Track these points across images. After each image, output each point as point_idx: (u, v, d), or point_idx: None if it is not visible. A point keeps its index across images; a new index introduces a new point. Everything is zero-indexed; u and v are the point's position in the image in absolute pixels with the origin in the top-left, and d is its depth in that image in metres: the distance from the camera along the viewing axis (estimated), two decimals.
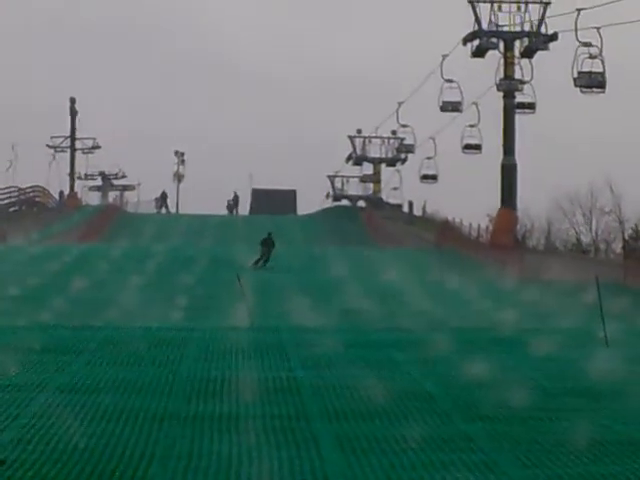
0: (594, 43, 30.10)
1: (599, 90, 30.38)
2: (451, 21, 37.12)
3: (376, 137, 48.74)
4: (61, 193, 43.82)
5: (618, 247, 36.03)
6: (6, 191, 38.50)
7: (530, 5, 31.35)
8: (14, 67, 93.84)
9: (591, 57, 30.25)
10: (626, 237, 36.96)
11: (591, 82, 30.15)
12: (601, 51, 30.22)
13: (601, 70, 30.28)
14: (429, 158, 42.55)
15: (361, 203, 48.41)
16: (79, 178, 47.40)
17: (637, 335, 16.54)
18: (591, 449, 7.30)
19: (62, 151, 46.06)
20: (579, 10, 29.50)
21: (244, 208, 46.64)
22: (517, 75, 32.03)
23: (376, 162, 48.95)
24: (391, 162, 48.61)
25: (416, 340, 14.31)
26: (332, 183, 51.24)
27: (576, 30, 29.96)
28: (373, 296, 22.00)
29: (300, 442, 7.65)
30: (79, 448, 7.13)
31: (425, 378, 10.70)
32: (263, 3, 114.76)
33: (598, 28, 30.11)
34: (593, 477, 6.52)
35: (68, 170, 47.22)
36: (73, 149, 45.98)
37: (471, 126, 35.30)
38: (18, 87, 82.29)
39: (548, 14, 32.10)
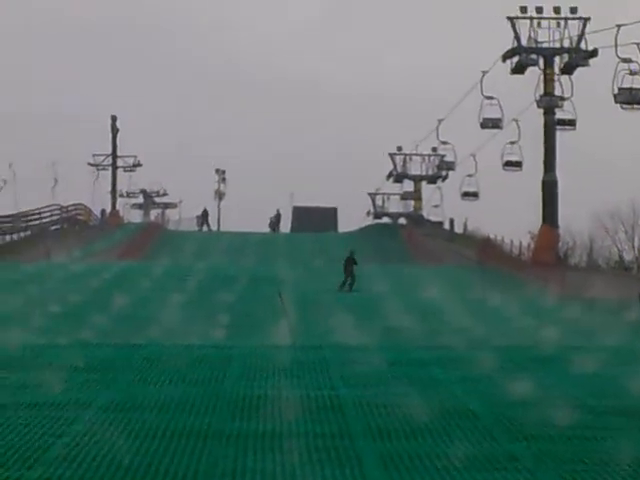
0: (634, 59, 30.03)
1: None
2: (491, 38, 36.98)
3: (417, 154, 48.92)
4: (103, 211, 44.04)
5: None
6: (49, 209, 38.77)
7: (569, 21, 31.39)
8: (55, 84, 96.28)
9: (631, 73, 30.14)
10: None
11: (632, 98, 30.04)
12: None
13: None
14: (470, 175, 42.42)
15: (402, 220, 48.42)
16: (121, 196, 47.95)
17: None
18: (637, 469, 7.21)
19: (104, 169, 46.50)
20: (619, 26, 29.38)
21: (285, 226, 46.81)
22: (557, 92, 32.04)
23: (417, 179, 49.10)
24: (432, 179, 48.71)
25: (458, 358, 14.34)
26: (373, 200, 51.48)
27: (616, 46, 29.80)
28: (414, 313, 22.11)
29: (344, 460, 7.63)
30: (123, 466, 7.19)
31: (468, 396, 10.63)
32: (310, 22, 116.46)
33: (638, 44, 30.07)
34: None
35: (110, 188, 47.46)
36: (115, 167, 46.27)
37: (511, 143, 35.18)
38: (60, 105, 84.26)
39: (588, 30, 32.04)
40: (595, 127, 36.92)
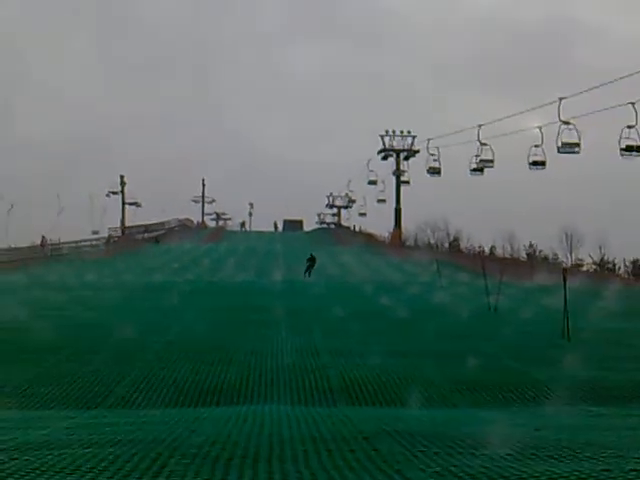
0: (436, 154, 65.08)
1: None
2: (373, 143, 69.95)
3: (339, 196, 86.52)
4: (198, 222, 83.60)
5: None
6: (172, 220, 74.92)
7: (407, 137, 66.78)
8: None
9: (435, 160, 65.24)
10: None
11: (436, 172, 65.28)
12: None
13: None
14: (362, 214, 78.43)
15: (332, 226, 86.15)
16: (206, 214, 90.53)
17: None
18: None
19: (197, 202, 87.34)
20: (429, 139, 64.80)
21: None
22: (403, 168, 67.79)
23: (339, 208, 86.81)
24: (346, 207, 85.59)
25: (355, 286, 28.52)
26: (319, 216, 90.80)
27: (428, 148, 65.25)
28: (337, 268, 42.97)
29: (304, 332, 26.00)
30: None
31: (361, 305, 31.46)
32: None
33: (438, 148, 65.40)
34: None
35: (200, 211, 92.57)
36: (203, 202, 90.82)
37: (381, 191, 70.41)
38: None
39: (416, 141, 66.42)
40: (420, 184, 69.65)
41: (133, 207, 75.42)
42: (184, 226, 78.50)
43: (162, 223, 74.22)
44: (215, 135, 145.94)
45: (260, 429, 6.13)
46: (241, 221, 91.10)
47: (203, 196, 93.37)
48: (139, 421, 6.91)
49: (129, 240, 65.88)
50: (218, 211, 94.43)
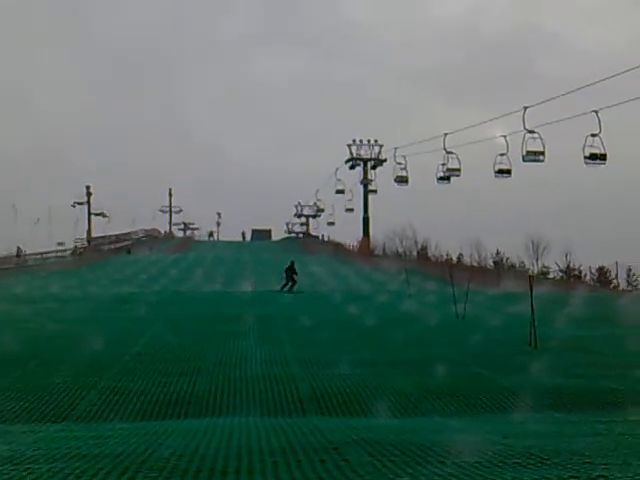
0: (403, 163, 65.51)
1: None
2: (340, 152, 70.15)
3: (308, 205, 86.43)
4: (165, 232, 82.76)
5: None
6: (139, 230, 73.72)
7: (374, 147, 67.02)
8: None
9: (402, 169, 65.60)
10: None
11: (404, 181, 65.63)
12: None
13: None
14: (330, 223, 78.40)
15: (300, 235, 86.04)
16: (174, 224, 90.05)
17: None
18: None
19: (165, 212, 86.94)
20: (396, 148, 65.12)
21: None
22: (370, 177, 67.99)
23: (307, 217, 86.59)
24: (314, 216, 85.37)
25: (324, 295, 28.59)
26: (287, 226, 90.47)
27: (395, 157, 65.53)
28: (306, 276, 40.62)
29: (274, 343, 24.90)
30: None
31: (330, 313, 26.41)
32: None
33: (405, 156, 65.71)
34: None
35: (168, 221, 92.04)
36: (171, 212, 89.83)
37: (349, 200, 70.58)
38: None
39: (383, 150, 67.26)
40: (387, 193, 69.33)
41: (100, 217, 74.88)
42: (151, 236, 78.14)
43: (129, 233, 73.79)
44: (182, 144, 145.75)
45: (228, 441, 6.09)
46: (209, 231, 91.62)
47: (170, 206, 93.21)
48: (106, 434, 6.83)
49: (96, 251, 65.34)
50: (186, 221, 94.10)
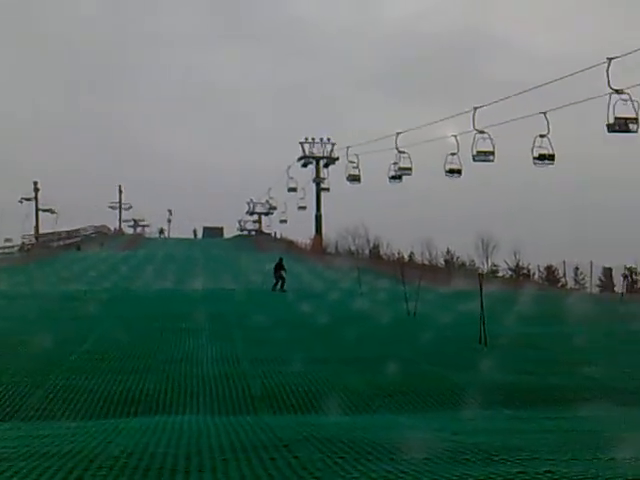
0: (356, 161, 65.53)
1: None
2: (293, 150, 70.30)
3: (260, 203, 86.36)
4: (115, 228, 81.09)
5: None
6: (88, 227, 72.69)
7: (327, 144, 67.18)
8: None
9: (354, 168, 65.73)
10: None
11: (355, 180, 65.76)
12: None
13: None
14: (283, 221, 78.35)
15: (253, 232, 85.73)
16: (124, 221, 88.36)
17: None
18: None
19: (114, 208, 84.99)
20: (348, 147, 65.19)
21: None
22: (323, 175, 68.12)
23: (259, 215, 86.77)
24: (267, 214, 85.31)
25: (277, 293, 31.08)
26: (240, 224, 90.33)
27: (347, 155, 65.63)
28: (258, 274, 42.01)
29: (226, 340, 26.66)
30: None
31: (284, 311, 23.93)
32: None
33: (358, 155, 65.95)
34: None
35: (118, 217, 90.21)
36: (120, 209, 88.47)
37: (301, 198, 70.63)
38: None
39: (335, 148, 67.55)
40: (340, 191, 70.53)
41: (49, 214, 73.68)
42: (101, 233, 77.12)
43: (78, 230, 72.74)
44: (133, 141, 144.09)
45: (178, 439, 6.04)
46: (160, 228, 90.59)
47: (120, 202, 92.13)
48: (54, 433, 6.73)
49: (44, 247, 64.33)
50: (136, 218, 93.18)
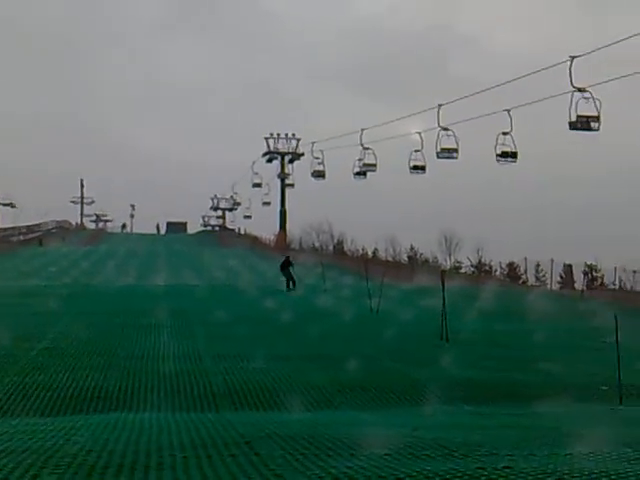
0: (320, 157, 65.17)
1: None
2: (257, 145, 69.91)
3: (224, 198, 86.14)
4: (76, 223, 79.61)
5: None
6: (49, 221, 71.64)
7: (292, 140, 67.14)
8: None
9: (319, 164, 65.60)
10: None
11: (320, 175, 65.74)
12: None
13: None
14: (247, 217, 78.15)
15: (217, 228, 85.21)
16: (86, 216, 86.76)
17: None
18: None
19: (76, 203, 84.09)
20: (313, 143, 65.16)
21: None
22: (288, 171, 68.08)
23: (223, 211, 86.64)
24: (231, 210, 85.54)
25: (241, 290, 28.07)
26: (203, 219, 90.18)
27: (312, 152, 65.60)
28: (221, 270, 42.47)
29: (187, 337, 20.67)
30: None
31: (246, 308, 26.45)
32: None
33: (322, 151, 65.94)
34: None
35: (79, 212, 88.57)
36: (82, 204, 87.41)
37: (265, 194, 70.30)
38: None
39: (300, 144, 67.34)
40: (305, 187, 69.48)
41: (9, 208, 72.55)
42: (62, 228, 76.29)
43: (39, 225, 71.86)
44: (96, 136, 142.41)
45: (138, 436, 6.00)
46: (122, 223, 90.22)
47: (82, 197, 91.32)
48: (11, 430, 6.64)
49: (4, 242, 63.47)
50: (98, 213, 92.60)
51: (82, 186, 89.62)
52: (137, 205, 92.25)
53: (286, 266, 30.87)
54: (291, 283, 30.16)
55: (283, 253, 39.32)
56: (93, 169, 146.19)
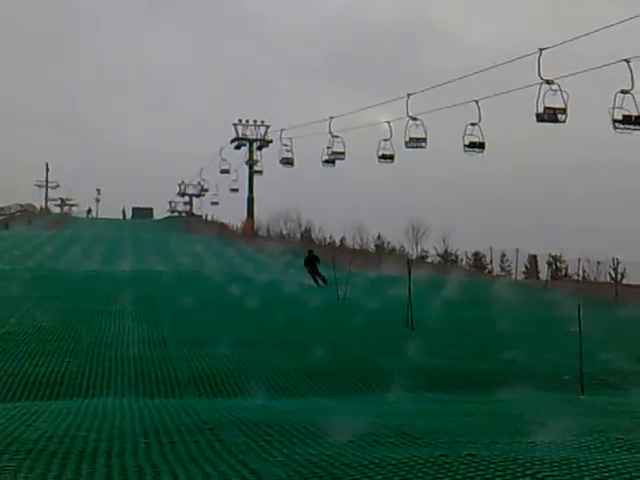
0: (290, 145, 65.07)
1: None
2: (226, 131, 69.66)
3: (191, 184, 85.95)
4: (41, 207, 78.19)
5: None
6: (13, 205, 70.97)
7: (261, 127, 66.86)
8: None
9: (288, 151, 65.32)
10: None
11: (288, 163, 65.48)
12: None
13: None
14: (214, 203, 77.73)
15: (184, 215, 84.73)
16: (51, 200, 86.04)
17: None
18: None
19: (41, 186, 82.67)
20: (282, 130, 64.92)
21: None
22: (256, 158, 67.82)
23: (190, 197, 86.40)
24: (198, 196, 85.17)
25: (207, 276, 27.77)
26: (170, 205, 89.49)
27: (281, 139, 65.36)
28: (188, 256, 42.36)
29: (151, 323, 17.27)
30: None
31: (213, 294, 25.41)
32: None
33: (291, 138, 65.72)
34: None
35: (44, 196, 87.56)
36: (47, 187, 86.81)
37: (234, 180, 69.98)
38: None
39: (269, 130, 67.07)
40: (273, 175, 68.78)
41: None
42: (26, 212, 75.33)
43: (2, 208, 71.17)
44: (62, 121, 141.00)
45: (101, 423, 5.94)
46: (87, 208, 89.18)
47: (47, 181, 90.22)
48: None
49: None
50: (63, 197, 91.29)
51: (47, 170, 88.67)
52: (103, 190, 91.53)
53: (311, 262, 29.23)
54: (320, 280, 28.26)
55: (307, 248, 36.04)
56: (59, 153, 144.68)
